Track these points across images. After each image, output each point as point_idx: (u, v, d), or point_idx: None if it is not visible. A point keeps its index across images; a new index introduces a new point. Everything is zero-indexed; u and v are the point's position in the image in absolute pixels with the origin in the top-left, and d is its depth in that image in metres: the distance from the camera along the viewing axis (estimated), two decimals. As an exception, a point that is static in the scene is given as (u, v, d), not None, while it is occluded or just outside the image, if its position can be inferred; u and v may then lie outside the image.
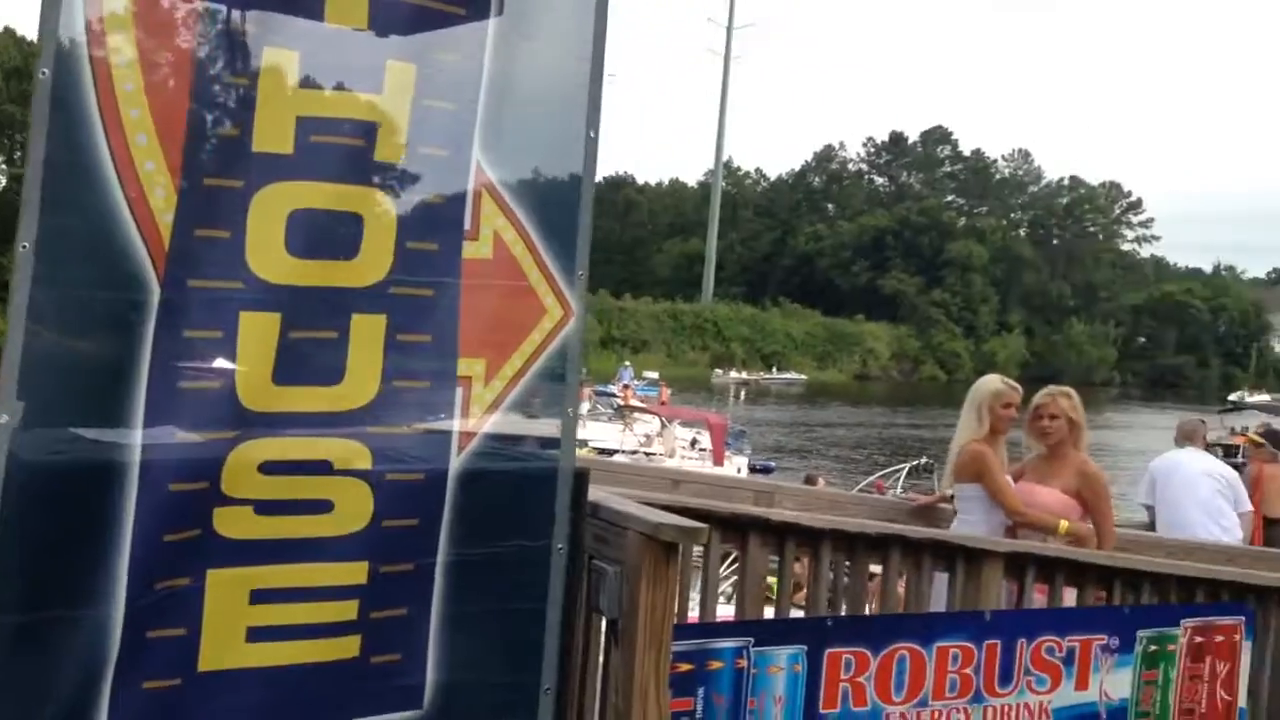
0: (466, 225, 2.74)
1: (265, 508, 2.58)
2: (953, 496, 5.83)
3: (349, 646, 2.69)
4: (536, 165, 2.85)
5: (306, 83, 2.57)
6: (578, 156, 2.86)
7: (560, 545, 2.98)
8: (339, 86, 2.60)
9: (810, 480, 17.42)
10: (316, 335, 2.59)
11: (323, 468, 2.62)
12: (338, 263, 2.60)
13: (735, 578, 4.77)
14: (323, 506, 2.63)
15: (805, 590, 4.39)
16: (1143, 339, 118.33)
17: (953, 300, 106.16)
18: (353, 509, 2.66)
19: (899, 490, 21.38)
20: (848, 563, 4.29)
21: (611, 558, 3.17)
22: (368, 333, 2.64)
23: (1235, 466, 9.57)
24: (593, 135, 2.85)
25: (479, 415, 2.78)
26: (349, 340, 2.63)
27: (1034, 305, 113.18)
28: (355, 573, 2.67)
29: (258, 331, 2.51)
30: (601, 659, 3.34)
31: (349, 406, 2.63)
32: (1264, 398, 76.64)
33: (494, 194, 2.77)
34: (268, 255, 2.52)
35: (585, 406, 37.48)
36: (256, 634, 2.61)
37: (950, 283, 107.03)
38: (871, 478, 24.03)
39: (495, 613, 2.89)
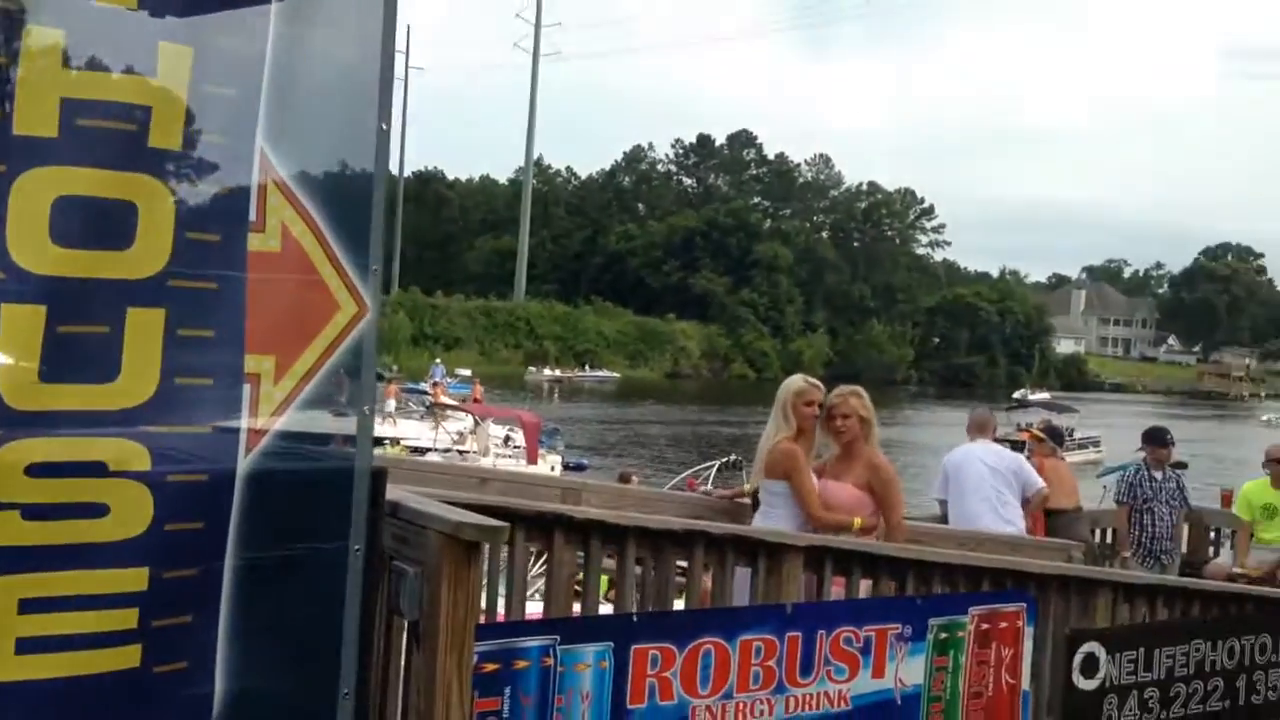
0: (252, 216, 2.61)
1: (33, 512, 2.42)
2: (756, 492, 5.92)
3: (129, 656, 2.54)
4: (325, 156, 2.75)
5: (72, 63, 2.42)
6: (368, 149, 2.77)
7: (357, 547, 2.89)
8: (108, 68, 2.46)
9: (624, 479, 17.47)
10: (88, 330, 2.43)
11: (97, 469, 2.47)
12: (110, 253, 2.45)
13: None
14: (98, 510, 2.48)
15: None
16: (937, 339, 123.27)
17: (760, 300, 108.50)
18: (131, 512, 2.51)
19: (709, 487, 21.70)
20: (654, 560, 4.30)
21: (412, 558, 3.10)
22: (145, 327, 2.49)
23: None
24: (384, 128, 2.77)
25: (268, 413, 2.66)
26: (124, 335, 2.48)
27: (837, 306, 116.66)
28: (134, 579, 2.52)
29: (21, 325, 2.35)
30: (403, 661, 3.27)
31: (125, 405, 2.48)
32: (1045, 395, 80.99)
33: (281, 185, 2.65)
34: (30, 244, 2.36)
35: (392, 405, 36.96)
36: (26, 645, 2.45)
37: (758, 283, 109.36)
38: (683, 475, 24.35)
39: (289, 617, 2.78)
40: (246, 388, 2.63)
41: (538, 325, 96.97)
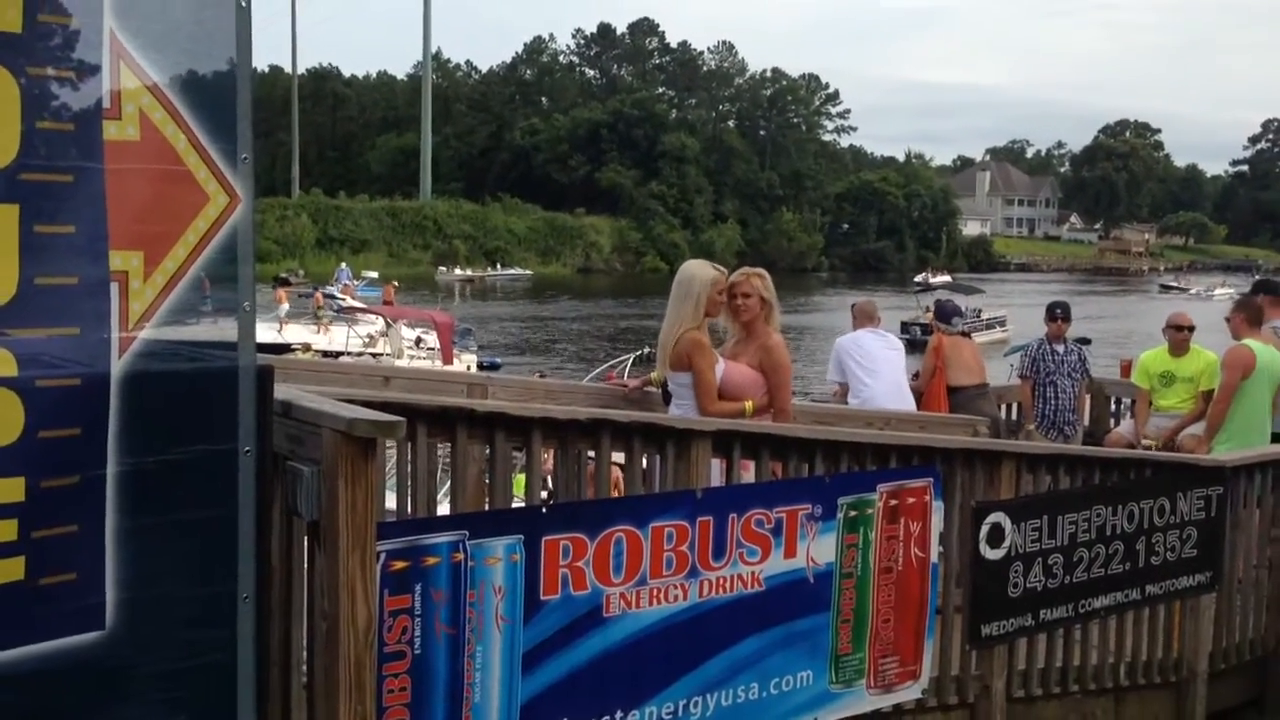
0: (106, 103, 2.46)
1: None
2: (665, 382, 5.92)
3: (12, 569, 2.45)
4: (182, 37, 2.58)
5: None
6: (228, 27, 2.61)
7: (247, 448, 2.81)
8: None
9: (542, 378, 17.56)
10: (-67, 229, 2.29)
11: (-43, 376, 2.35)
12: None
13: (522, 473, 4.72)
14: (-39, 419, 2.36)
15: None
16: (846, 225, 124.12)
17: (669, 192, 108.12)
18: (1, 421, 2.40)
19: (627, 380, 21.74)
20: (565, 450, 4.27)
21: (308, 458, 3.04)
22: (-2, 225, 2.34)
23: (925, 343, 10.16)
24: (244, 4, 2.61)
25: (140, 313, 2.54)
26: (-26, 234, 2.34)
27: (746, 195, 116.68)
28: (10, 490, 2.42)
29: None
30: (306, 563, 3.22)
31: (-18, 308, 2.35)
32: (945, 278, 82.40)
33: (134, 67, 2.49)
34: None
35: (284, 309, 36.38)
36: (-101, 564, 2.35)
37: (666, 174, 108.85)
38: (600, 369, 24.43)
39: (180, 523, 2.70)
40: (115, 286, 2.50)
41: (446, 225, 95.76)
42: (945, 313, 10.34)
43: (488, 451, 4.21)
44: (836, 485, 4.75)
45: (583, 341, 47.39)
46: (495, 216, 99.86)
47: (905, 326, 46.24)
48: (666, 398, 5.94)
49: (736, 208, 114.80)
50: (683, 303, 5.73)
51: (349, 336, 32.34)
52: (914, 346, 44.53)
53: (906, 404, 8.55)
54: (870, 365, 8.64)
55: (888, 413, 7.28)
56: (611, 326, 54.23)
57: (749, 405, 5.66)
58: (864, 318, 9.08)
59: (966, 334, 10.58)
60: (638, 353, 24.30)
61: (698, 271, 5.81)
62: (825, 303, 70.73)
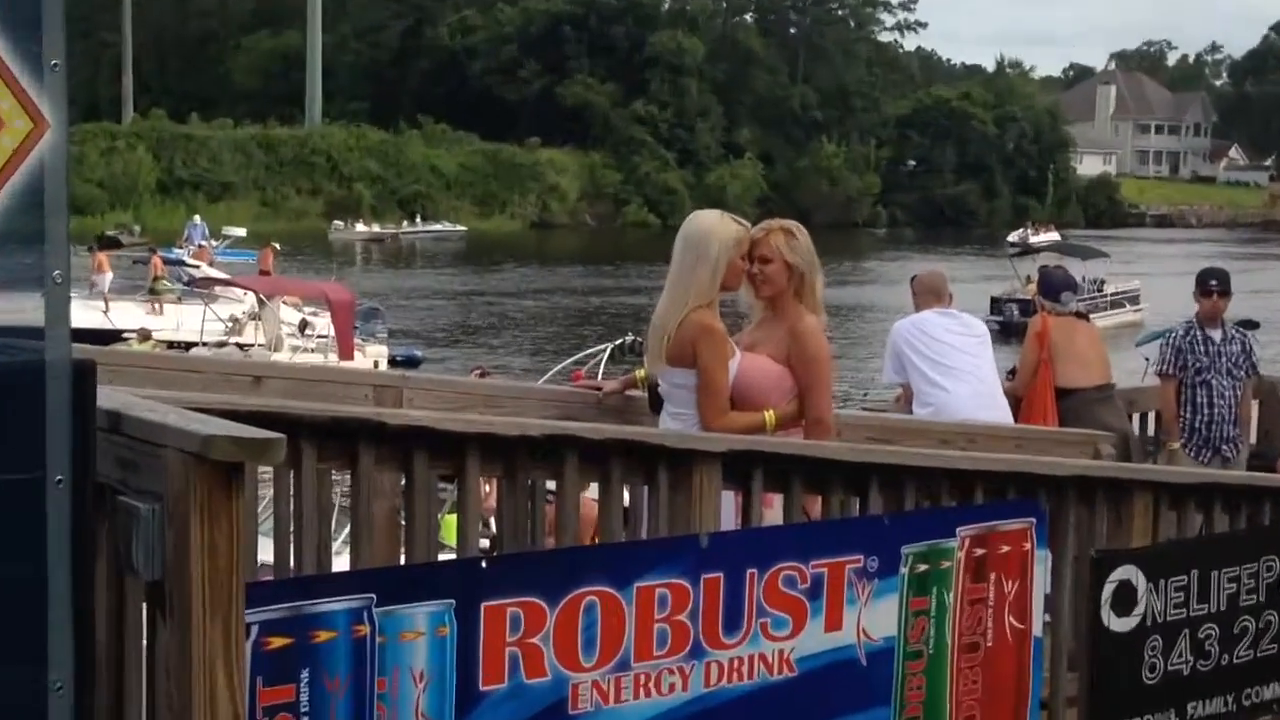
0: None
1: None
2: (655, 384, 5.93)
3: None
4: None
5: None
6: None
7: (59, 478, 2.82)
8: None
9: (481, 376, 17.52)
10: None
11: None
12: None
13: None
14: None
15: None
16: (913, 162, 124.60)
17: (661, 115, 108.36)
18: None
19: (601, 380, 21.76)
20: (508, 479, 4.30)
21: (145, 491, 3.06)
22: None
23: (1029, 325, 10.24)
24: None
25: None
26: None
27: (771, 119, 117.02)
28: None
29: None
30: (145, 639, 3.23)
31: None
32: (1052, 236, 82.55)
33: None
34: None
35: (109, 280, 36.30)
36: None
37: (656, 91, 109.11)
38: (564, 364, 24.51)
39: (-36, 584, 2.71)
40: None
41: (343, 161, 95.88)
42: (1052, 285, 10.38)
43: (404, 482, 4.20)
44: (899, 528, 4.76)
45: (539, 326, 47.54)
46: (414, 149, 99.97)
47: (997, 305, 46.51)
48: (656, 405, 5.95)
49: (757, 137, 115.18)
50: (692, 270, 5.71)
51: (205, 320, 32.39)
52: (1008, 332, 44.79)
53: (997, 413, 8.59)
54: (942, 359, 8.69)
55: (971, 426, 7.31)
56: (579, 304, 54.37)
57: (770, 416, 5.68)
58: (928, 294, 9.14)
59: (1083, 315, 10.63)
60: (617, 342, 24.33)
61: (715, 226, 5.80)
62: (883, 270, 71.10)
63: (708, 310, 5.72)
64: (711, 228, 5.79)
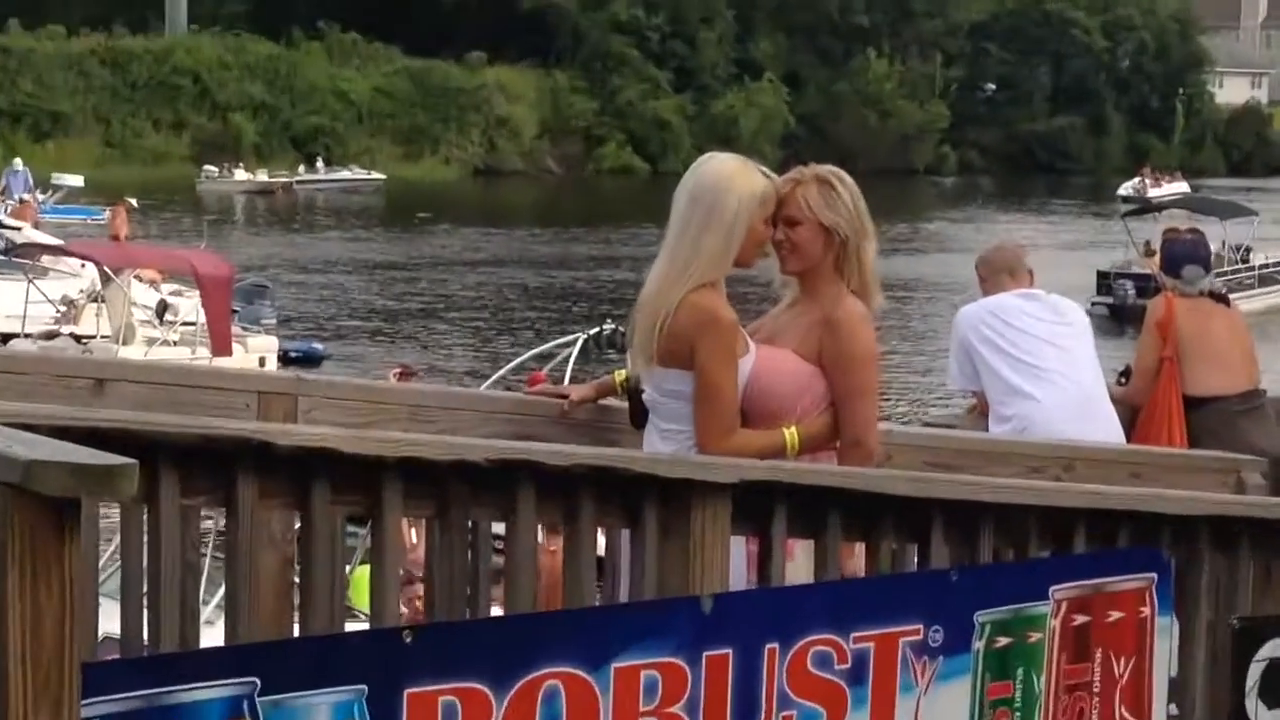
0: None
1: None
2: (637, 388, 5.93)
3: None
4: None
5: None
6: None
7: None
8: None
9: (404, 378, 17.55)
10: None
11: None
12: None
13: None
14: None
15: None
16: (992, 87, 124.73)
17: (650, 20, 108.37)
18: None
19: (569, 383, 21.71)
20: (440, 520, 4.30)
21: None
22: None
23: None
24: None
25: None
26: None
27: (799, 27, 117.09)
28: None
29: None
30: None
31: None
32: (1179, 187, 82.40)
33: None
34: None
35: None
36: None
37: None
38: (518, 360, 24.49)
39: None
40: None
41: (217, 84, 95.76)
42: (1176, 256, 10.41)
43: (298, 524, 4.20)
44: (971, 588, 4.78)
45: (485, 310, 47.53)
46: (313, 68, 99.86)
47: (1106, 281, 46.62)
48: (641, 418, 5.95)
49: (780, 50, 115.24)
50: (699, 235, 5.71)
51: (28, 301, 32.28)
52: (1122, 319, 44.91)
53: (1103, 428, 8.61)
54: (1027, 356, 8.71)
55: (1069, 446, 7.31)
56: (539, 280, 54.37)
57: (793, 433, 5.67)
58: (1001, 274, 9.14)
59: (1222, 296, 10.63)
60: (592, 332, 24.31)
61: (735, 176, 5.80)
62: (951, 234, 71.19)
63: (712, 291, 5.71)
64: (731, 177, 5.78)
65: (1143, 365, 9.87)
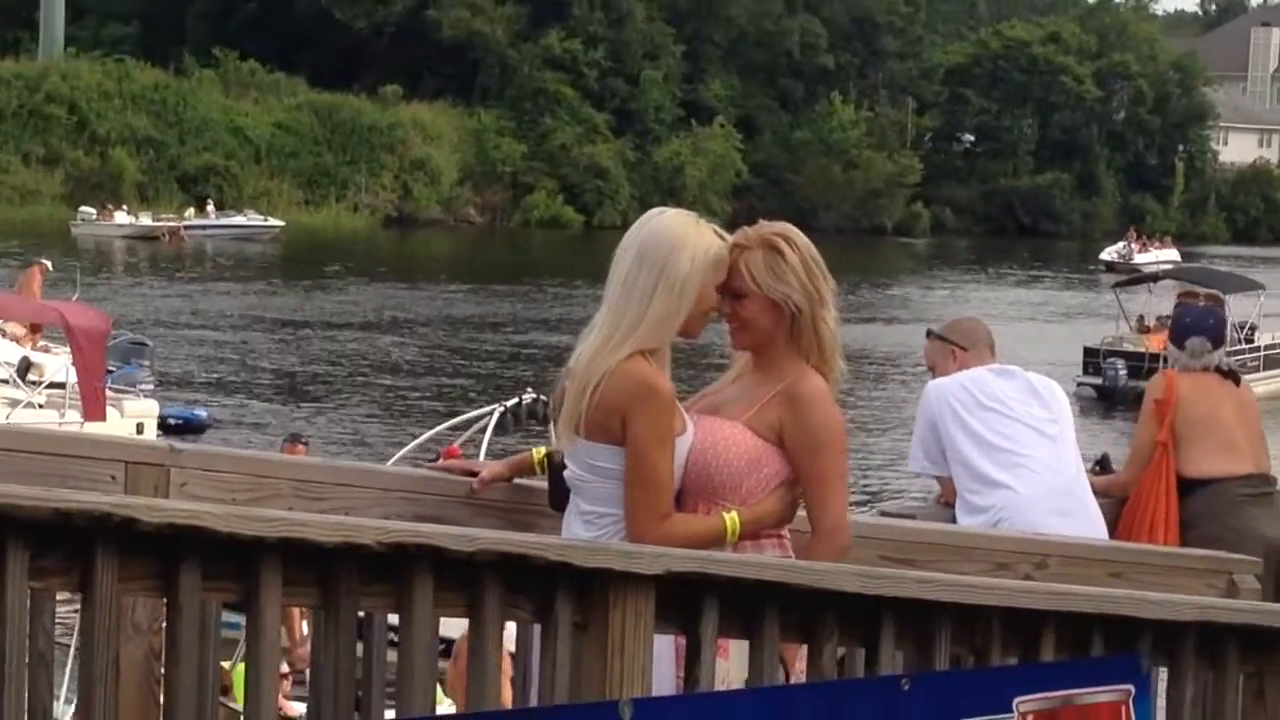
0: None
1: None
2: (560, 464, 5.93)
3: None
4: None
5: None
6: None
7: None
8: None
9: (293, 450, 17.59)
10: None
11: None
12: None
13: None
14: None
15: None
16: (970, 137, 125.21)
17: (588, 55, 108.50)
18: None
19: (485, 457, 21.74)
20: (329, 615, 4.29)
21: None
22: None
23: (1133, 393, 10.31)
24: None
25: None
26: None
27: (754, 67, 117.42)
28: None
29: None
30: None
31: None
32: (1168, 255, 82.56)
33: None
34: None
35: None
36: None
37: (581, 18, 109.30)
38: (428, 435, 24.49)
39: None
40: None
41: (97, 114, 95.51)
42: (1183, 325, 10.44)
43: (166, 610, 4.18)
44: (927, 696, 4.80)
45: (394, 375, 47.40)
46: (206, 99, 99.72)
47: (1092, 360, 46.66)
48: (561, 499, 5.94)
49: (734, 92, 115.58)
50: (646, 297, 5.73)
51: None
52: (1110, 401, 44.99)
53: (1082, 521, 8.62)
54: (1003, 440, 8.71)
55: (1043, 541, 7.34)
56: (457, 343, 54.31)
57: (734, 518, 5.68)
58: (982, 344, 9.14)
59: (1231, 372, 10.62)
60: (511, 402, 24.37)
61: (688, 235, 5.81)
62: (921, 301, 71.46)
63: (650, 361, 5.71)
64: (684, 236, 5.78)
65: (1137, 448, 9.86)
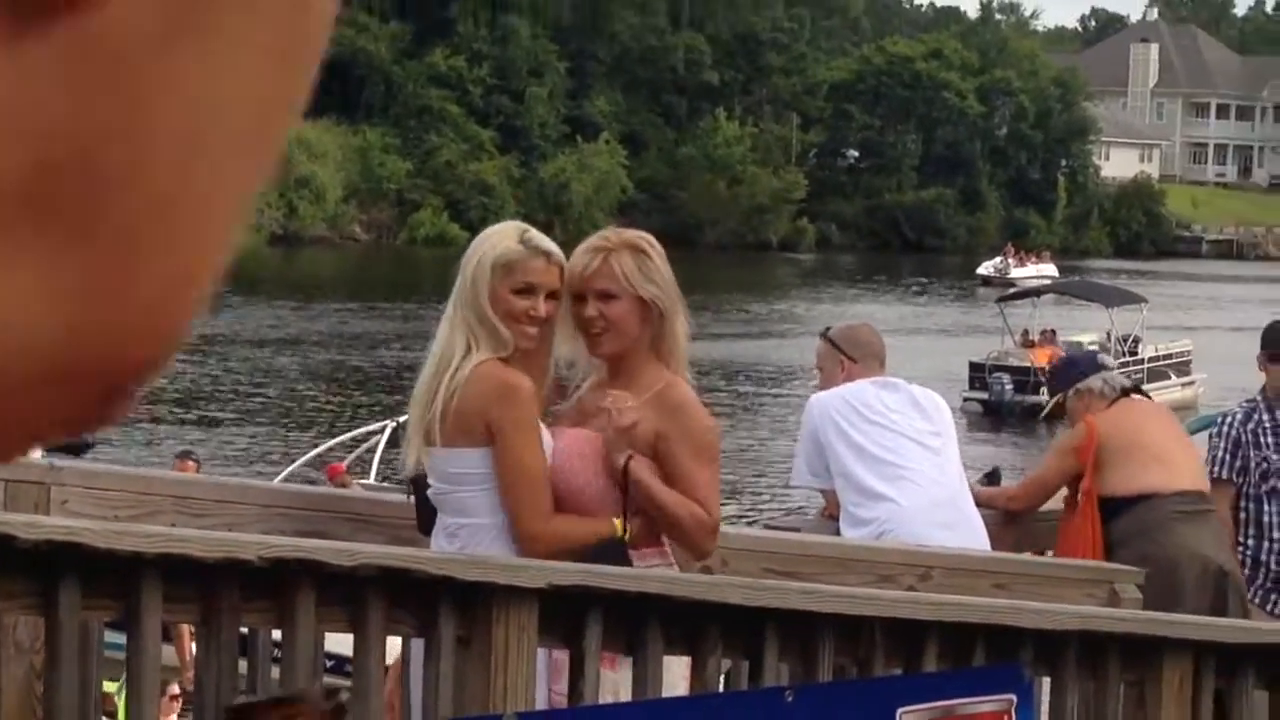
0: None
1: None
2: (420, 479, 5.91)
3: None
4: None
5: None
6: None
7: None
8: None
9: (184, 467, 17.57)
10: None
11: None
12: None
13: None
14: None
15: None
16: (855, 153, 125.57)
17: (473, 72, 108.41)
18: None
19: (374, 478, 21.62)
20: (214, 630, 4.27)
21: None
22: None
23: (1033, 408, 10.29)
24: None
25: None
26: None
27: (639, 83, 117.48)
28: None
29: None
30: None
31: None
32: (1045, 269, 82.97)
33: None
34: None
35: None
36: None
37: (465, 34, 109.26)
38: (314, 452, 24.45)
39: None
40: None
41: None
42: (1075, 367, 10.52)
43: (45, 628, 4.16)
44: (809, 706, 4.80)
45: (282, 392, 47.18)
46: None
47: (978, 375, 46.79)
48: (426, 520, 5.93)
49: (619, 108, 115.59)
50: (455, 308, 5.79)
51: None
52: (998, 417, 45.08)
53: (969, 534, 8.65)
54: (887, 453, 8.73)
55: (922, 553, 7.37)
56: (344, 361, 54.14)
57: (619, 524, 5.67)
58: (872, 358, 9.15)
59: (1135, 389, 10.62)
60: (401, 419, 24.33)
61: (482, 241, 5.94)
62: (806, 316, 71.57)
63: (501, 364, 5.72)
64: (476, 244, 5.93)
65: (1043, 480, 9.82)
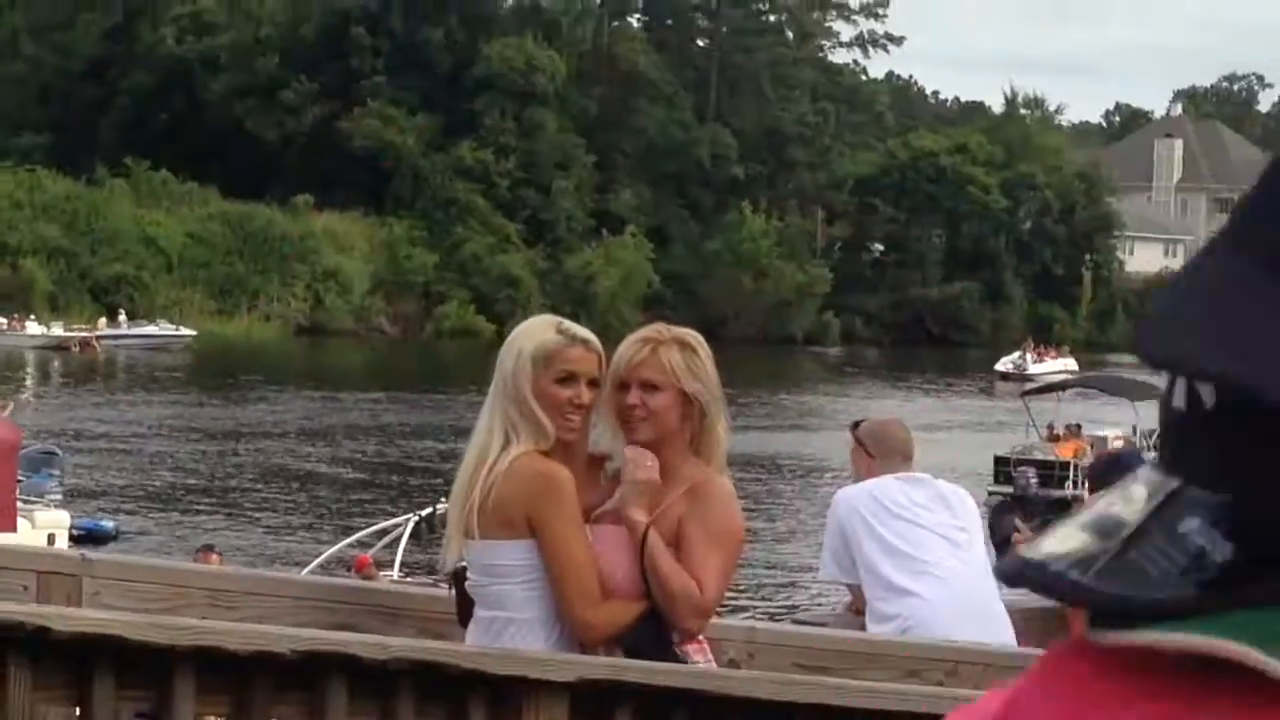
0: None
1: None
2: (460, 574, 5.91)
3: None
4: None
5: None
6: None
7: None
8: None
9: (205, 559, 17.63)
10: None
11: None
12: None
13: None
14: None
15: None
16: (880, 248, 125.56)
17: (500, 165, 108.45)
18: None
19: (397, 572, 21.61)
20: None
21: None
22: None
23: (1059, 502, 10.27)
24: None
25: None
26: None
27: (665, 177, 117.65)
28: None
29: None
30: None
31: None
32: (1066, 364, 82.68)
33: None
34: None
35: None
36: None
37: (493, 128, 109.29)
38: (343, 544, 24.42)
39: None
40: None
41: (6, 224, 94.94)
42: (1120, 463, 10.50)
43: (79, 715, 4.16)
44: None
45: (307, 484, 47.14)
46: (117, 209, 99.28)
47: (1003, 469, 46.65)
48: (465, 611, 5.92)
49: (645, 202, 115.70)
50: (494, 400, 5.81)
51: None
52: (1022, 510, 44.95)
53: (995, 629, 8.62)
54: (912, 549, 8.71)
55: (950, 648, 7.35)
56: (370, 453, 54.11)
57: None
58: (896, 455, 9.15)
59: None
60: (424, 512, 24.35)
61: (520, 334, 5.96)
62: (831, 410, 71.53)
63: (543, 456, 5.73)
64: (514, 337, 5.96)
65: None
